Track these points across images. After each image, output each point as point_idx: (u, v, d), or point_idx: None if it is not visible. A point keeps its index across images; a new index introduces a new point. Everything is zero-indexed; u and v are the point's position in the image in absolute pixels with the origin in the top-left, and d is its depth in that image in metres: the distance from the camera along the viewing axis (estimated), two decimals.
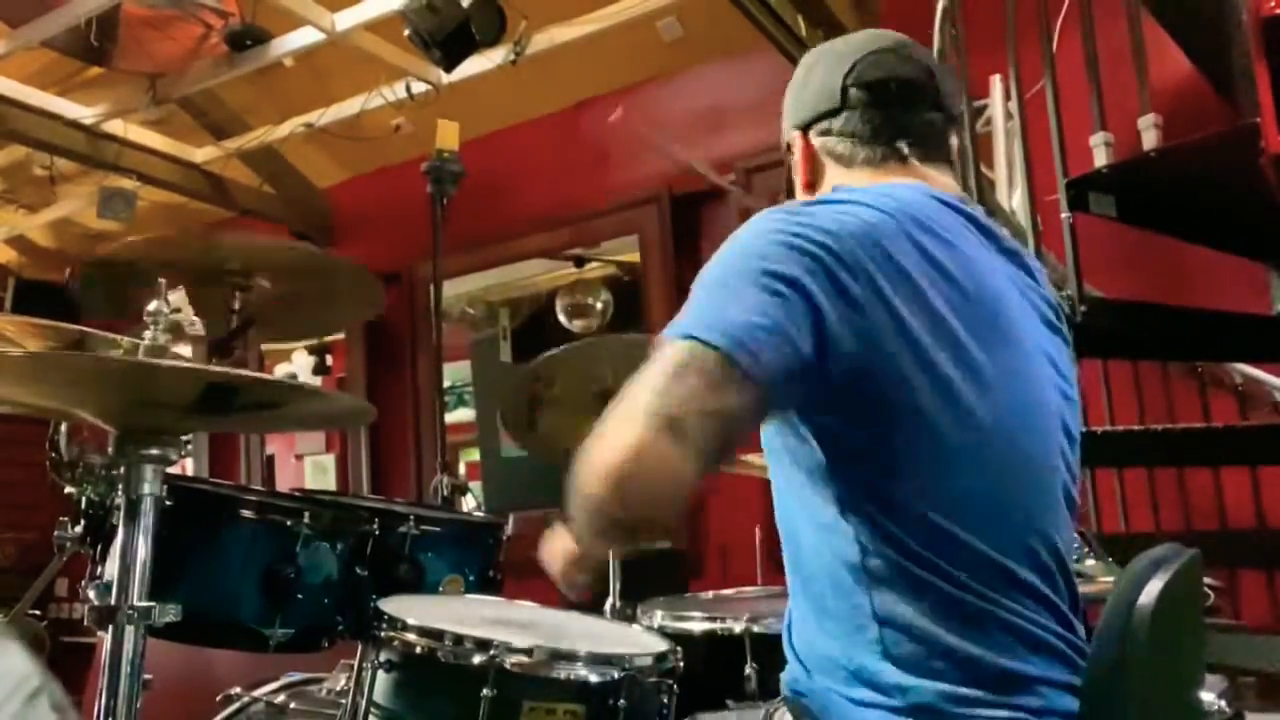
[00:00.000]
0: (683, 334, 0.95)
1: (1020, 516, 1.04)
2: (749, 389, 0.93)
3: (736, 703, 1.56)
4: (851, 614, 1.02)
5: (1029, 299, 1.15)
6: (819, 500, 1.05)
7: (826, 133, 1.23)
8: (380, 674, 1.33)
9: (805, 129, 1.25)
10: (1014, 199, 2.44)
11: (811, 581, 1.08)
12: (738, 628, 1.65)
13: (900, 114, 1.21)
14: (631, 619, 1.86)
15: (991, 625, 0.99)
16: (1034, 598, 1.02)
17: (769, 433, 1.11)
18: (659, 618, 1.75)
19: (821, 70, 1.25)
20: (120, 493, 1.30)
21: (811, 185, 1.25)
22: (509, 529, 1.92)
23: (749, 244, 1.03)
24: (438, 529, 1.76)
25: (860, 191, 1.10)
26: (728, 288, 0.99)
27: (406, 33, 2.91)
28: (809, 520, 1.07)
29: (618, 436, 0.91)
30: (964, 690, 0.97)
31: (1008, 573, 1.01)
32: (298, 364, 4.85)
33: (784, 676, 1.14)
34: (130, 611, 1.27)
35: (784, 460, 1.10)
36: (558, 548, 1.18)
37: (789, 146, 1.30)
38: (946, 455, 1.00)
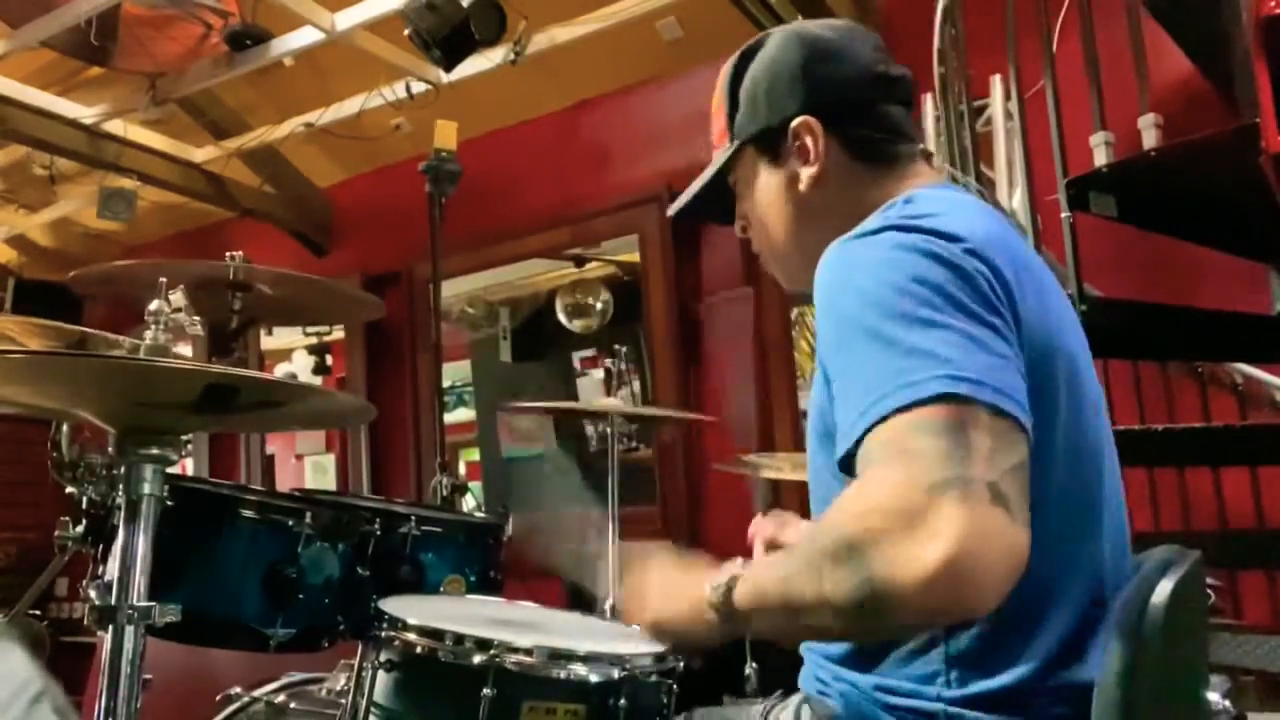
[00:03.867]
0: (935, 393, 0.80)
1: (1082, 526, 1.01)
2: (1026, 436, 0.83)
3: (733, 698, 1.56)
4: None
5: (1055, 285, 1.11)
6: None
7: (851, 125, 1.14)
8: (380, 674, 1.33)
9: (822, 116, 1.13)
10: (1014, 199, 2.44)
11: None
12: None
13: (908, 114, 1.18)
14: None
15: (1041, 629, 0.97)
16: (1083, 604, 0.99)
17: (827, 422, 0.97)
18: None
19: (835, 56, 1.15)
20: (121, 492, 1.30)
21: (819, 182, 1.14)
22: (509, 529, 1.92)
23: (909, 268, 0.89)
24: (438, 529, 1.76)
25: (951, 199, 1.05)
26: (933, 325, 0.85)
27: (406, 32, 2.91)
28: None
29: (933, 520, 0.75)
30: (1008, 686, 0.95)
31: (1065, 578, 0.98)
32: (298, 364, 4.85)
33: (804, 674, 1.13)
34: (130, 611, 1.26)
35: (823, 452, 1.01)
36: (679, 610, 0.99)
37: (768, 138, 1.17)
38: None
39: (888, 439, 0.81)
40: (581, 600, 1.65)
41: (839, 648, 1.07)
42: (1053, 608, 0.97)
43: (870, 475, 0.81)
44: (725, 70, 1.25)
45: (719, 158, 1.23)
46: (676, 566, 1.04)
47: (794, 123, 1.14)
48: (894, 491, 0.78)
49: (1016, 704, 0.95)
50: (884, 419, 0.82)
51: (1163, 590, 0.93)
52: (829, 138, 1.14)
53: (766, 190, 1.19)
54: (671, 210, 1.35)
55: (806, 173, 1.14)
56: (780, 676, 1.29)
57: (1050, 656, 0.96)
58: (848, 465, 0.86)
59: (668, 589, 1.02)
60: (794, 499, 3.00)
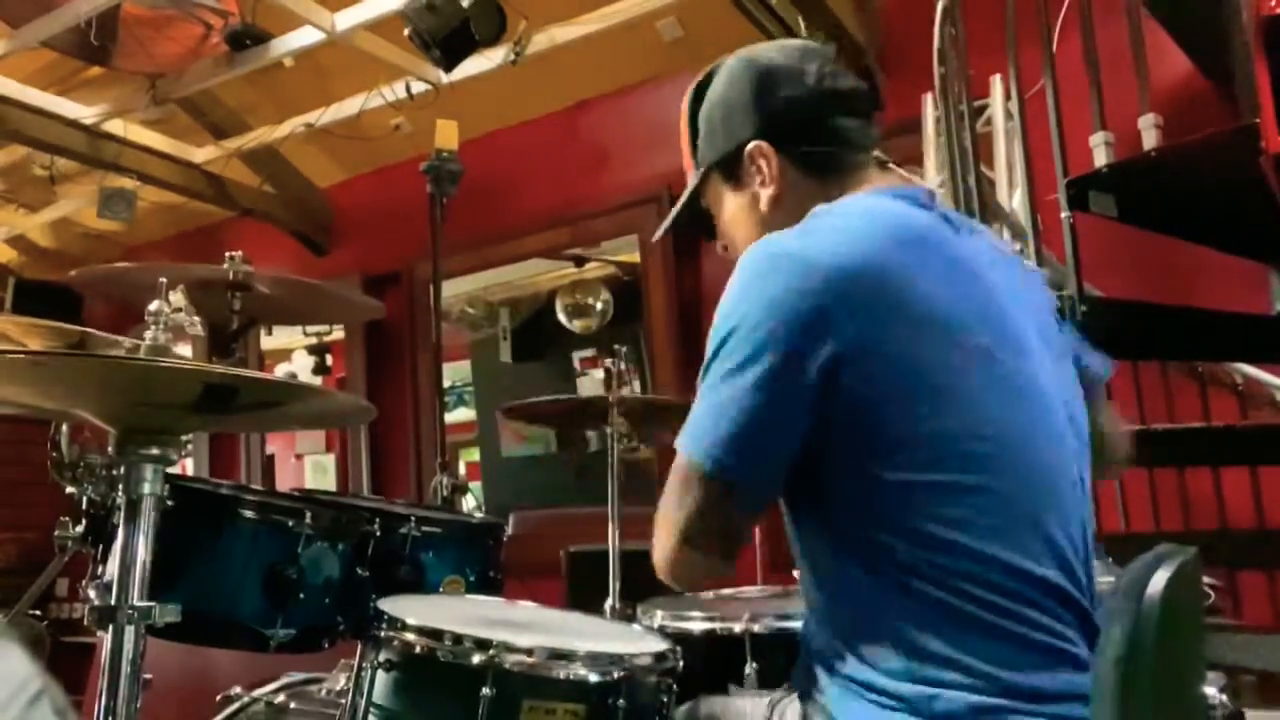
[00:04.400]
0: (683, 448, 1.07)
1: (1034, 525, 1.03)
2: (745, 493, 1.07)
3: (739, 689, 1.56)
4: (874, 626, 1.02)
5: (1007, 278, 1.14)
6: (832, 517, 1.06)
7: (801, 141, 1.20)
8: (380, 674, 1.33)
9: (773, 139, 1.20)
10: (1014, 199, 2.44)
11: (830, 590, 1.09)
12: (738, 627, 1.65)
13: (869, 126, 1.22)
14: (631, 619, 1.86)
15: (1014, 639, 0.99)
16: (1058, 605, 1.02)
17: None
18: (659, 617, 1.75)
19: (781, 80, 1.21)
20: (121, 492, 1.30)
21: (777, 200, 1.21)
22: (509, 529, 1.92)
23: (754, 294, 1.03)
24: (438, 529, 1.76)
25: (850, 212, 1.10)
26: (728, 378, 1.03)
27: (406, 33, 2.91)
28: (825, 533, 1.08)
29: (659, 545, 1.11)
30: (990, 700, 0.97)
31: (1029, 581, 1.00)
32: (298, 364, 4.85)
33: (796, 670, 1.15)
34: (130, 611, 1.26)
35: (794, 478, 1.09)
36: None
37: (727, 163, 1.24)
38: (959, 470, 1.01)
39: (676, 467, 1.09)
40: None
41: (825, 645, 1.08)
42: (1009, 598, 1.00)
43: (666, 492, 1.10)
44: (685, 101, 1.32)
45: (689, 184, 1.31)
46: None
47: (748, 148, 1.21)
48: (665, 518, 1.10)
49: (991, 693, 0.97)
50: (681, 451, 1.08)
51: (1155, 586, 0.93)
52: (781, 158, 1.21)
53: (732, 211, 1.27)
54: (656, 235, 1.50)
55: (765, 194, 1.22)
56: (781, 675, 1.29)
57: (998, 674, 0.98)
58: None
59: None
60: None
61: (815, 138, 1.20)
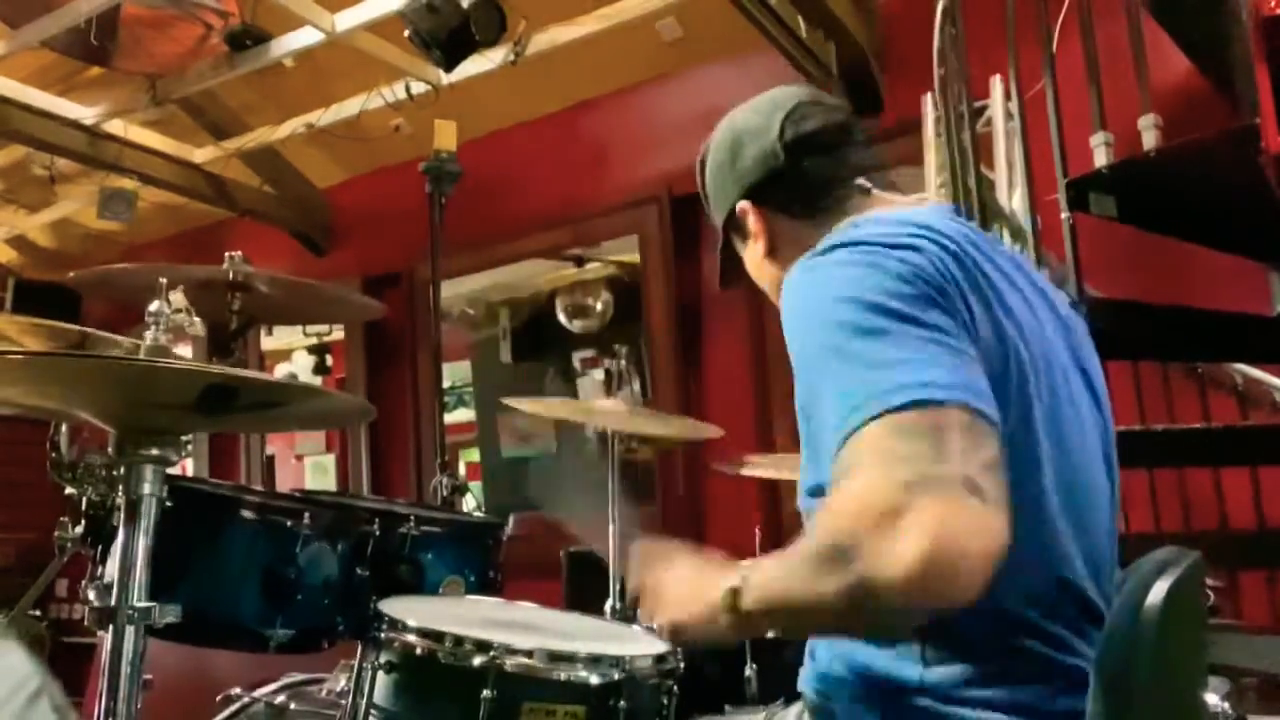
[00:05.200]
0: (907, 400, 0.84)
1: (1074, 537, 1.02)
2: (997, 430, 0.87)
3: (735, 707, 1.56)
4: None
5: (1045, 300, 1.14)
6: None
7: (779, 191, 1.24)
8: (380, 675, 1.33)
9: (754, 197, 1.26)
10: (1014, 199, 2.44)
11: None
12: None
13: (849, 152, 1.25)
14: (631, 619, 1.86)
15: (1032, 656, 0.98)
16: (1087, 622, 1.01)
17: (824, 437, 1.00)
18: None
19: (748, 141, 1.27)
20: (120, 493, 1.30)
21: (773, 251, 1.26)
22: (509, 529, 1.92)
23: (859, 281, 0.94)
24: (438, 529, 1.76)
25: (889, 221, 1.08)
26: (890, 334, 0.90)
27: (406, 33, 2.91)
28: None
29: (910, 517, 0.78)
30: (992, 690, 0.96)
31: (1066, 597, 1.00)
32: (298, 364, 4.85)
33: (803, 674, 1.14)
34: (130, 611, 1.27)
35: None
36: (695, 613, 1.00)
37: (733, 223, 1.30)
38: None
39: (865, 446, 0.85)
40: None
41: (844, 658, 1.07)
42: (1027, 603, 0.98)
43: (851, 478, 0.85)
44: (697, 171, 1.39)
45: (720, 242, 1.38)
46: (692, 567, 1.05)
47: (736, 210, 1.29)
48: (873, 491, 0.82)
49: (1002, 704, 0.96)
50: (858, 429, 0.85)
51: (1157, 591, 0.93)
52: (763, 211, 1.26)
53: (750, 263, 1.33)
54: (720, 284, 1.49)
55: (759, 247, 1.28)
56: (780, 678, 1.29)
57: (1014, 687, 0.97)
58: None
59: (683, 590, 1.03)
60: (793, 499, 3.00)
61: (789, 184, 1.24)
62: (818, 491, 0.98)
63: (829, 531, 0.84)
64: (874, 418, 0.84)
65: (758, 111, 1.29)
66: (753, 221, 1.27)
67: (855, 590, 0.81)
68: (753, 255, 1.30)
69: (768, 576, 0.93)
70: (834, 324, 0.93)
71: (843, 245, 1.01)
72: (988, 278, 1.01)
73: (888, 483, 0.81)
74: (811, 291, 0.99)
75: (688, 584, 1.04)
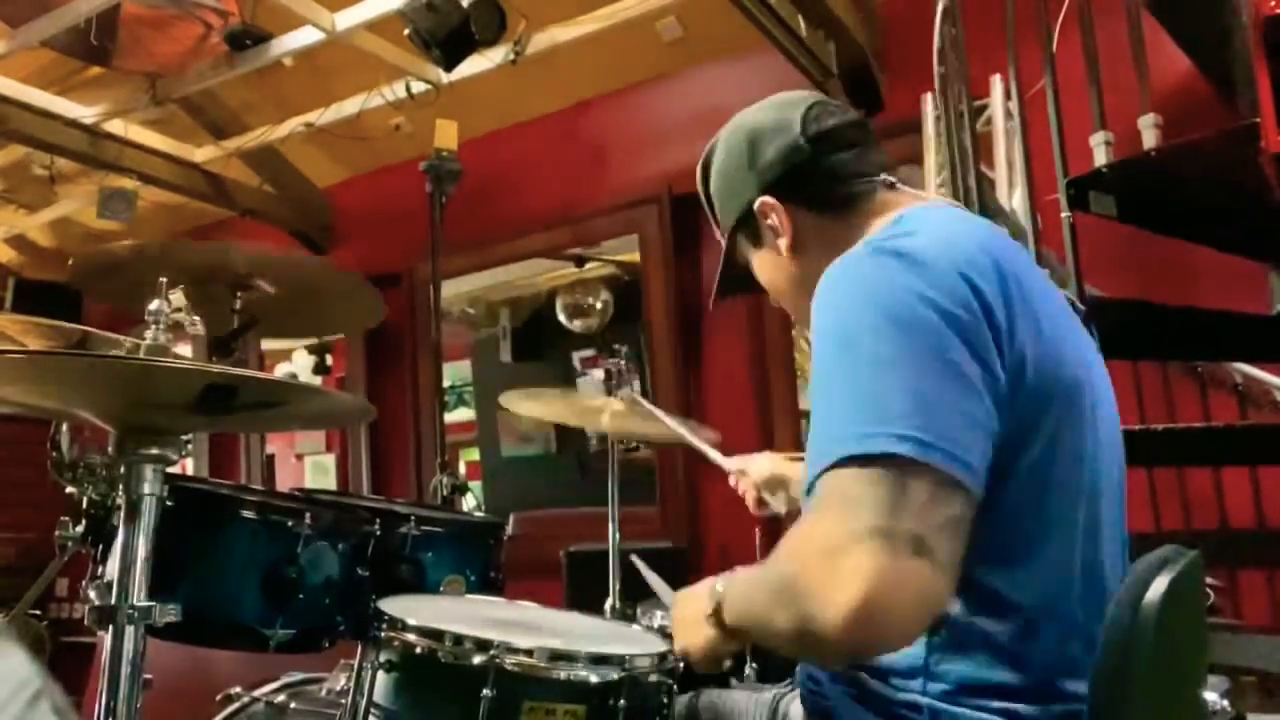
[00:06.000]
0: (880, 451, 0.85)
1: (1085, 548, 1.03)
2: (966, 494, 0.87)
3: (740, 683, 1.57)
4: None
5: (1065, 304, 1.14)
6: None
7: (804, 186, 1.22)
8: (380, 674, 1.33)
9: (777, 193, 1.23)
10: (1014, 199, 2.44)
11: None
12: None
13: (870, 150, 1.25)
14: (631, 619, 1.86)
15: (1042, 654, 0.98)
16: (1087, 629, 1.00)
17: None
18: (659, 618, 1.75)
19: (768, 137, 1.25)
20: (121, 492, 1.30)
21: (797, 247, 1.24)
22: (509, 529, 1.92)
23: (887, 302, 0.93)
24: (438, 529, 1.76)
25: (931, 221, 1.08)
26: (896, 370, 0.89)
27: (406, 32, 2.91)
28: None
29: (851, 565, 0.81)
30: (999, 686, 0.96)
31: (1068, 602, 1.00)
32: (298, 364, 4.85)
33: (799, 672, 1.14)
34: (130, 611, 1.27)
35: None
36: (698, 636, 1.08)
37: (745, 224, 1.28)
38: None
39: (834, 485, 0.87)
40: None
41: None
42: (1043, 616, 0.98)
43: (813, 516, 0.89)
44: (698, 177, 1.37)
45: (724, 249, 1.35)
46: (691, 593, 1.13)
47: (755, 206, 1.25)
48: (825, 535, 0.85)
49: (1002, 695, 0.96)
50: (831, 467, 0.88)
51: (1157, 588, 0.94)
52: (789, 207, 1.23)
53: (762, 267, 1.31)
54: (712, 304, 1.48)
55: (783, 244, 1.25)
56: (781, 675, 1.29)
57: (1035, 658, 0.97)
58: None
59: (685, 617, 1.12)
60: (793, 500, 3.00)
61: (814, 179, 1.23)
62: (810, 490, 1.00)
63: (782, 564, 0.91)
64: (848, 458, 0.87)
65: (771, 110, 1.28)
66: (776, 217, 1.24)
67: (799, 625, 0.86)
68: (769, 254, 1.27)
69: (739, 593, 1.01)
70: (851, 337, 0.93)
71: (883, 252, 0.99)
72: (1031, 294, 1.00)
73: (840, 528, 0.84)
74: (847, 291, 0.98)
75: (687, 610, 1.12)
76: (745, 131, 1.28)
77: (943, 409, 0.88)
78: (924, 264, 0.95)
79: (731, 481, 1.81)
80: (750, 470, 1.74)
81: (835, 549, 0.83)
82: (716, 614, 1.03)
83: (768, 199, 1.24)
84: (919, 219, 1.10)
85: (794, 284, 1.25)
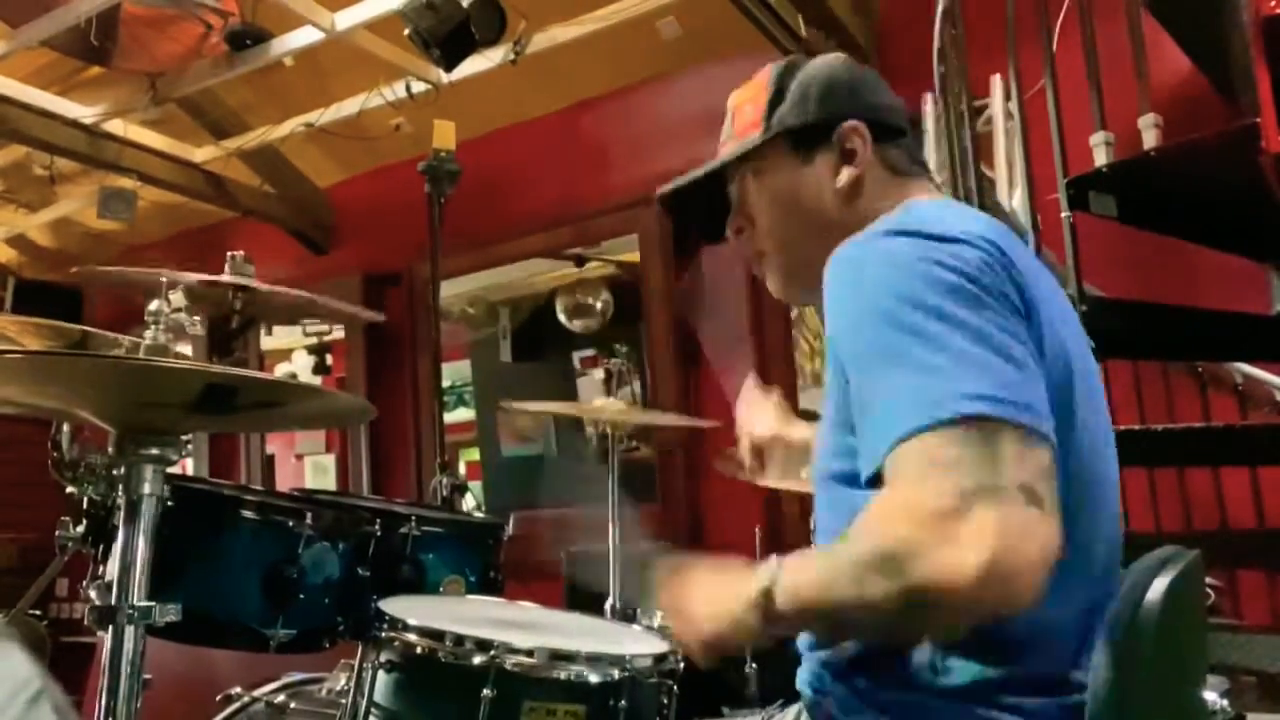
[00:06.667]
0: (957, 414, 0.84)
1: (1090, 542, 1.02)
2: (1049, 443, 0.87)
3: (733, 710, 1.56)
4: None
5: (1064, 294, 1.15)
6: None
7: (893, 139, 1.20)
8: (381, 674, 1.33)
9: (871, 127, 1.19)
10: (1014, 198, 2.44)
11: None
12: None
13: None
14: (631, 619, 1.86)
15: (1039, 622, 0.95)
16: (1075, 600, 1.00)
17: (843, 428, 1.01)
18: (659, 618, 1.75)
19: (872, 83, 1.23)
20: (121, 492, 1.30)
21: (856, 190, 1.17)
22: (509, 529, 1.92)
23: (925, 276, 0.92)
24: (438, 529, 1.76)
25: (946, 207, 1.10)
26: (948, 339, 0.88)
27: (406, 32, 2.91)
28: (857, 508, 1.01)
29: (974, 525, 0.80)
30: (1004, 684, 0.96)
31: (1075, 598, 0.99)
32: (298, 364, 4.85)
33: (801, 673, 1.14)
34: (130, 611, 1.27)
35: (836, 444, 1.03)
36: (723, 622, 0.98)
37: (805, 135, 1.19)
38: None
39: (916, 455, 0.85)
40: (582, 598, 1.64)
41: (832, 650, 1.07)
42: (1047, 607, 0.97)
43: (901, 486, 0.86)
44: (770, 68, 1.26)
45: (745, 143, 1.22)
46: (713, 577, 1.04)
47: (844, 125, 1.18)
48: (931, 498, 0.82)
49: (1010, 691, 0.96)
50: (907, 437, 0.86)
51: (1157, 588, 0.94)
52: (874, 146, 1.19)
53: (790, 185, 1.21)
54: (662, 189, 1.35)
55: (847, 173, 1.18)
56: (780, 677, 1.29)
57: (1040, 652, 0.97)
58: (873, 482, 0.89)
59: (709, 602, 1.01)
60: (793, 499, 3.00)
61: (900, 141, 1.22)
62: (848, 479, 0.98)
63: (881, 536, 0.85)
64: (925, 427, 0.85)
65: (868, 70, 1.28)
66: (861, 146, 1.18)
67: (910, 596, 0.82)
68: (803, 176, 1.19)
69: (804, 578, 0.93)
70: (887, 318, 0.92)
71: (902, 233, 0.98)
72: (1033, 280, 1.00)
73: (944, 491, 0.82)
74: (868, 274, 0.96)
75: (713, 594, 1.02)
76: (853, 65, 1.25)
77: (1003, 367, 0.87)
78: (950, 238, 0.96)
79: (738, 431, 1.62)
80: (755, 427, 1.57)
81: (948, 511, 0.81)
82: (766, 596, 0.93)
83: (863, 126, 1.18)
84: (932, 206, 1.12)
85: (815, 213, 1.18)
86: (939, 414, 0.85)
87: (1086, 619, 1.00)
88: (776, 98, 1.22)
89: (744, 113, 1.26)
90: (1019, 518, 0.80)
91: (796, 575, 0.93)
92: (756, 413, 1.58)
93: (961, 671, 0.97)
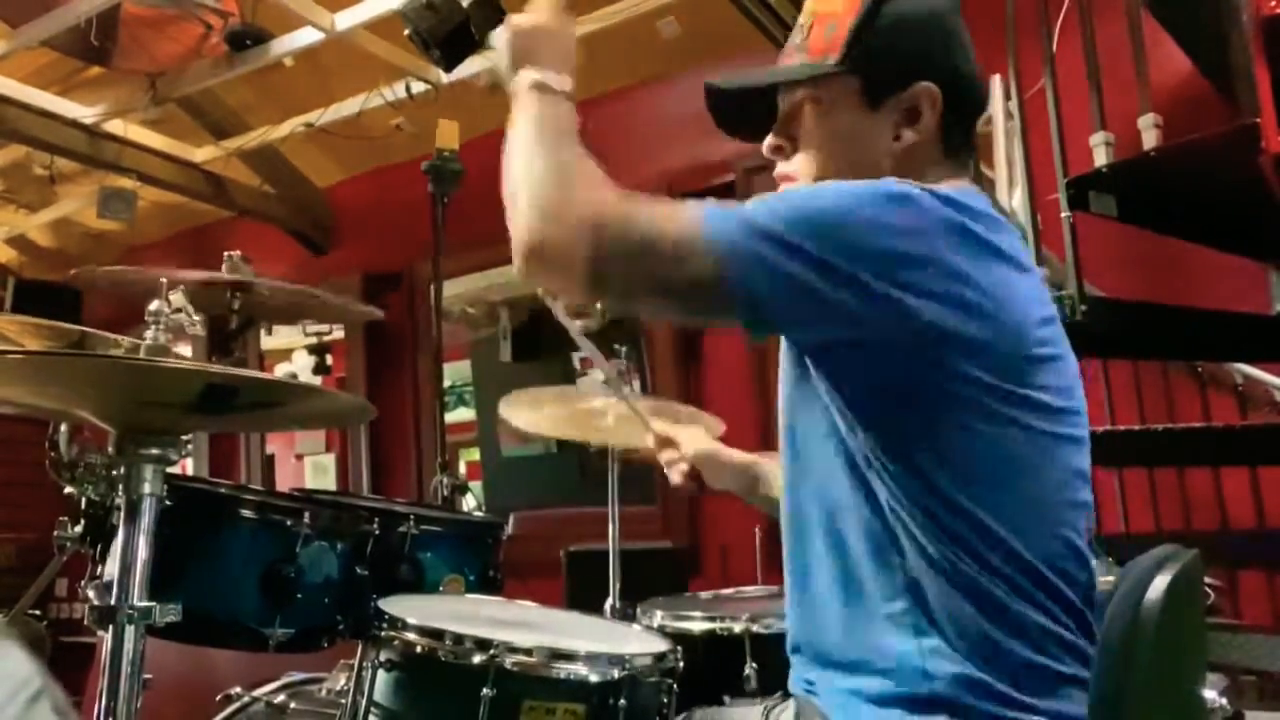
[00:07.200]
0: (711, 230, 1.00)
1: (1054, 520, 1.02)
2: (724, 298, 0.99)
3: (733, 700, 1.56)
4: (884, 600, 1.00)
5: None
6: (867, 485, 1.02)
7: (962, 114, 1.13)
8: (380, 673, 1.33)
9: (947, 96, 1.10)
10: (1014, 198, 2.44)
11: (844, 568, 1.05)
12: (738, 627, 1.65)
13: None
14: (631, 619, 1.86)
15: (1027, 622, 0.97)
16: (1061, 600, 1.00)
17: (813, 417, 1.07)
18: (659, 617, 1.75)
19: (967, 43, 1.13)
20: (120, 492, 1.30)
21: (909, 151, 1.10)
22: (509, 529, 1.92)
23: (848, 210, 0.97)
24: (438, 529, 1.76)
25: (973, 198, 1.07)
26: (798, 260, 0.95)
27: (406, 33, 2.91)
28: (852, 507, 1.03)
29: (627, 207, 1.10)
30: (993, 684, 0.96)
31: (1040, 572, 0.99)
32: (298, 364, 4.85)
33: (792, 674, 1.14)
34: (130, 611, 1.27)
35: (828, 448, 1.05)
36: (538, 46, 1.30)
37: (902, 82, 1.10)
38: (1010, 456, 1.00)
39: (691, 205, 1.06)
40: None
41: (826, 651, 1.07)
42: (1025, 603, 0.98)
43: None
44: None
45: (817, 67, 1.14)
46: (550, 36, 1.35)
47: (920, 85, 1.10)
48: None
49: (993, 693, 0.96)
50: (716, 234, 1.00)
51: (1156, 587, 0.94)
52: (939, 116, 1.10)
53: (850, 130, 1.13)
54: (715, 82, 1.34)
55: (908, 135, 1.11)
56: (780, 677, 1.29)
57: (1012, 649, 0.97)
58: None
59: (545, 37, 1.36)
60: None
61: (966, 119, 1.14)
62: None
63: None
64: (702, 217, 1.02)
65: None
66: (930, 114, 1.10)
67: (550, 172, 1.19)
68: (863, 125, 1.12)
69: (548, 111, 1.29)
70: (797, 218, 0.97)
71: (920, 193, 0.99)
72: (1009, 245, 1.03)
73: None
74: (830, 189, 1.02)
75: (552, 37, 1.37)
76: (951, 13, 1.14)
77: (783, 291, 0.96)
78: (952, 201, 1.00)
79: (650, 443, 1.79)
80: (683, 443, 1.72)
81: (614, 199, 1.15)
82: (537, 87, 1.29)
83: (938, 93, 1.09)
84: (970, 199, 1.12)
85: (860, 174, 1.06)
86: (710, 225, 1.01)
87: (1077, 616, 1.00)
88: (864, 25, 1.11)
89: (824, 26, 1.15)
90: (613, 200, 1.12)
91: (553, 108, 1.30)
92: (682, 431, 1.73)
93: (952, 673, 0.97)
